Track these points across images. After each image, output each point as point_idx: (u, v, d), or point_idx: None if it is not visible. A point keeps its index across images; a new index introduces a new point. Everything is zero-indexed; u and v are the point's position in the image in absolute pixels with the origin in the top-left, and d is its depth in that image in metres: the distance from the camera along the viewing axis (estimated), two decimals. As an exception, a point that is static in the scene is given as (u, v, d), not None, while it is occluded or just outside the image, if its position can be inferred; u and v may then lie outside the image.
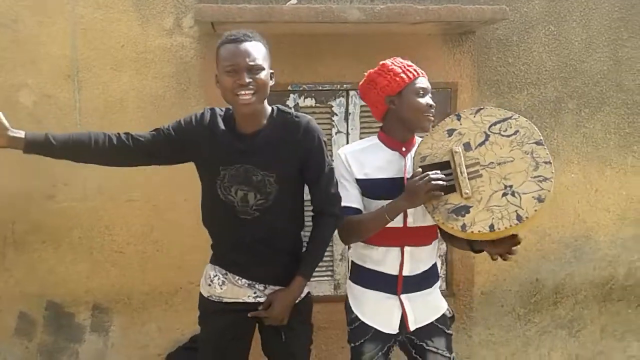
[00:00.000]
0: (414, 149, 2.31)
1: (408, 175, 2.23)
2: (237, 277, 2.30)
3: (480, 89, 3.46)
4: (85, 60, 3.14)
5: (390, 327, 2.32)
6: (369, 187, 2.28)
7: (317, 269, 3.34)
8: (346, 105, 3.29)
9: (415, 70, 2.28)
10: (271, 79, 2.17)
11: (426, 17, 2.93)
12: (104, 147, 2.17)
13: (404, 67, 2.27)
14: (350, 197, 2.28)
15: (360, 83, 2.39)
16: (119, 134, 2.20)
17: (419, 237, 2.30)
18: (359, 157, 2.31)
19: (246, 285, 2.29)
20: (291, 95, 3.26)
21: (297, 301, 2.31)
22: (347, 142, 3.29)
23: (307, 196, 2.35)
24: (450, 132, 2.23)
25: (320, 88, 3.28)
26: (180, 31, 3.20)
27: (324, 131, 3.24)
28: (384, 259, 2.31)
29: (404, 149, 2.31)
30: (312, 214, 2.34)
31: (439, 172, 2.10)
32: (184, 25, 3.20)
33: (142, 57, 3.18)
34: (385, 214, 2.14)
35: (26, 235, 3.21)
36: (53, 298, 3.29)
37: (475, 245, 2.26)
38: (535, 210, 1.98)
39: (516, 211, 2.00)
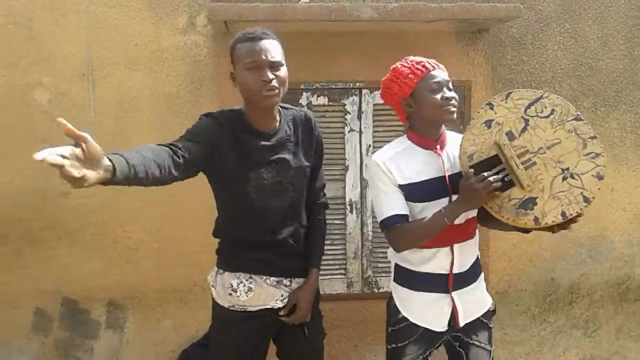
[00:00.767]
0: (449, 145, 2.26)
1: (449, 173, 2.20)
2: (264, 277, 2.27)
3: (495, 88, 3.43)
4: (100, 59, 3.17)
5: (440, 325, 2.28)
6: (412, 191, 2.21)
7: (330, 267, 3.39)
8: (359, 104, 3.29)
9: (424, 65, 2.20)
10: None
11: (440, 15, 2.92)
12: (164, 176, 1.88)
13: (413, 66, 2.20)
14: (396, 204, 2.19)
15: (380, 92, 2.36)
16: (172, 155, 1.93)
17: (466, 232, 2.25)
18: (398, 162, 2.22)
19: (274, 283, 2.28)
20: (304, 94, 3.26)
21: None
22: (360, 141, 3.29)
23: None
24: (489, 123, 2.14)
25: (333, 86, 3.28)
26: (194, 30, 3.22)
27: (337, 129, 3.29)
28: (434, 260, 2.25)
29: (438, 147, 2.24)
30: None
31: (492, 171, 2.05)
32: (198, 23, 3.21)
33: (156, 55, 3.20)
34: (444, 218, 2.08)
35: (42, 232, 3.24)
36: (69, 295, 3.32)
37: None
38: (599, 189, 2.00)
39: (582, 193, 2.00)
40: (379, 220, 2.23)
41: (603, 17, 3.50)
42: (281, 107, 2.26)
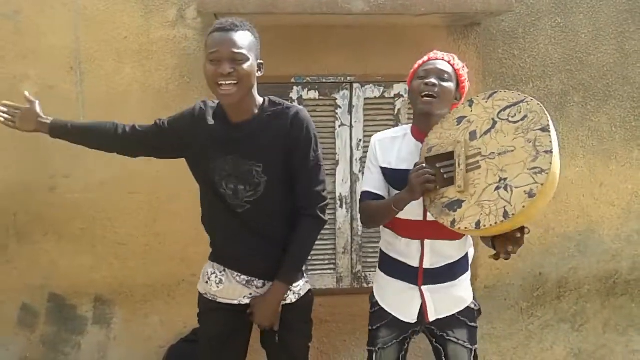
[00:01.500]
0: None
1: None
2: (235, 273, 2.26)
3: (486, 82, 3.42)
4: (88, 52, 3.12)
5: (409, 316, 2.33)
6: (389, 177, 2.28)
7: (319, 262, 3.37)
8: (350, 98, 3.27)
9: (428, 57, 2.28)
10: (260, 69, 2.13)
11: (431, 8, 2.90)
12: (111, 138, 2.34)
13: (423, 59, 2.29)
14: (372, 181, 2.30)
15: None
16: (124, 125, 2.34)
17: (439, 231, 2.18)
18: (387, 146, 2.31)
19: (244, 282, 2.25)
20: (294, 88, 3.24)
21: (295, 300, 2.28)
22: (351, 135, 3.28)
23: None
24: (460, 120, 2.13)
25: (324, 80, 3.26)
26: (184, 23, 3.18)
27: (328, 124, 3.27)
28: (406, 250, 2.30)
29: None
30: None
31: (437, 165, 2.06)
32: (187, 16, 3.17)
33: (145, 48, 3.16)
34: (391, 204, 2.14)
35: (28, 226, 3.21)
36: (55, 290, 3.29)
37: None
38: (523, 207, 1.81)
39: (504, 207, 1.85)
40: None
41: (594, 12, 3.50)
42: (273, 102, 2.21)
